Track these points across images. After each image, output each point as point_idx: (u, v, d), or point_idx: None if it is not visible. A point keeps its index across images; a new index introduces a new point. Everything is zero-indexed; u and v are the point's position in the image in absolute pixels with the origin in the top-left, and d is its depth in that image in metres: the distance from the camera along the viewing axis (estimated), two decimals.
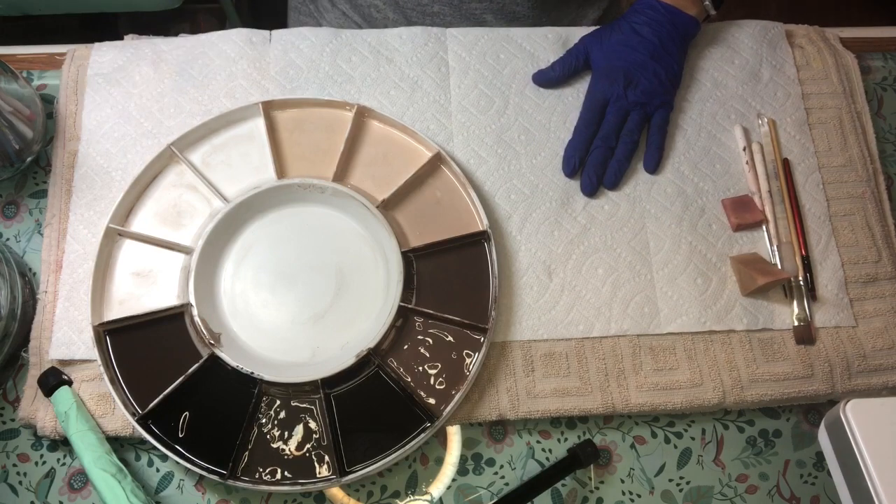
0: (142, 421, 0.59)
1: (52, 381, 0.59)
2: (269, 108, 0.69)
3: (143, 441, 0.60)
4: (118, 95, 0.70)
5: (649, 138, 0.70)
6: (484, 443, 0.63)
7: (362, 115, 0.70)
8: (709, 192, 0.70)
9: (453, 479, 0.61)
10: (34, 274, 0.65)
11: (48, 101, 0.71)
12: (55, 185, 0.67)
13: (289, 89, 0.71)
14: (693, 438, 0.64)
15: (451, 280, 0.65)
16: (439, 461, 0.62)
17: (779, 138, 0.72)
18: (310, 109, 0.70)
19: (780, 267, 0.67)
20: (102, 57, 0.71)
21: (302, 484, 0.58)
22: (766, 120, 0.72)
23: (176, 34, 0.74)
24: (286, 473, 0.59)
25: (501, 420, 0.63)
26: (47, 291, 0.64)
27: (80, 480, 0.60)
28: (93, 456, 0.57)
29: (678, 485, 0.62)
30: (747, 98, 0.74)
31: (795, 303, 0.66)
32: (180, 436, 0.59)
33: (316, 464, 0.60)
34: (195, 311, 0.61)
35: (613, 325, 0.65)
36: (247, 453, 0.59)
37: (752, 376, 0.64)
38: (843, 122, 0.73)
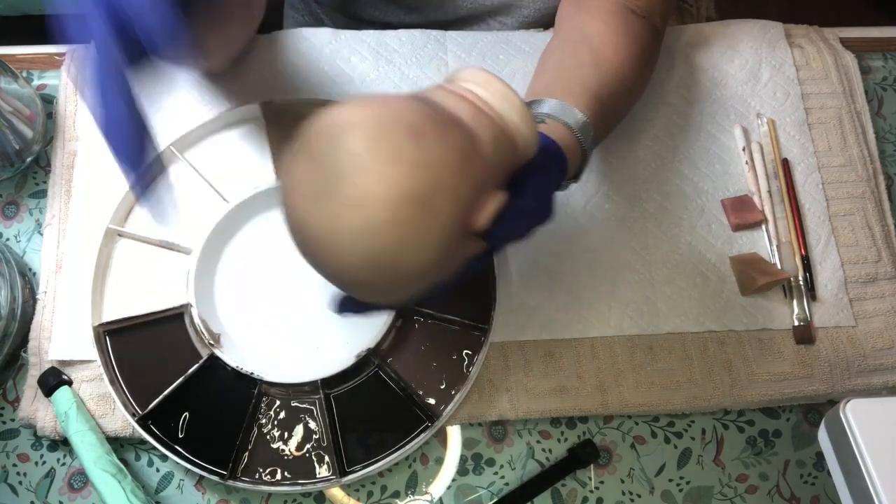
0: (142, 421, 0.59)
1: (52, 381, 0.59)
2: (268, 109, 0.69)
3: (143, 441, 0.60)
4: None
5: None
6: (484, 443, 0.63)
7: None
8: (708, 192, 0.70)
9: (453, 479, 0.62)
10: (34, 274, 0.65)
11: (48, 101, 0.71)
12: (55, 185, 0.67)
13: (288, 90, 0.71)
14: (693, 438, 0.64)
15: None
16: (439, 461, 0.62)
17: (778, 138, 0.72)
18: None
19: (779, 267, 0.67)
20: None
21: (302, 484, 0.58)
22: (765, 120, 0.72)
23: None
24: (286, 474, 0.59)
25: (501, 420, 0.63)
26: (47, 291, 0.64)
27: (80, 480, 0.60)
28: (93, 456, 0.57)
29: (678, 485, 0.62)
30: (747, 98, 0.74)
31: (795, 303, 0.66)
32: (180, 436, 0.59)
33: (316, 464, 0.60)
34: (195, 311, 0.61)
35: (613, 324, 0.65)
36: (247, 454, 0.60)
37: (752, 376, 0.64)
38: (842, 122, 0.73)
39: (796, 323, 0.65)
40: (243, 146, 0.69)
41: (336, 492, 0.61)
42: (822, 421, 0.63)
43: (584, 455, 0.61)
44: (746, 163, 0.71)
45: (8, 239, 0.67)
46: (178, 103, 0.70)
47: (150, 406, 0.59)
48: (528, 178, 0.47)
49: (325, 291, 0.64)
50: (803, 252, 0.68)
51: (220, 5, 0.53)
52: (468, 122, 0.43)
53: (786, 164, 0.71)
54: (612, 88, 0.56)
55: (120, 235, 0.65)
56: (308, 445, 0.60)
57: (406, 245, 0.40)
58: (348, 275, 0.42)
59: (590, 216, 0.68)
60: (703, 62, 0.75)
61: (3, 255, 0.61)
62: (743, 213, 0.68)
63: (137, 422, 0.59)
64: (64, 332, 0.62)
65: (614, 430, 0.63)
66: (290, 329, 0.63)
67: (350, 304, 0.49)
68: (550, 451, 0.63)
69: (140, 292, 0.64)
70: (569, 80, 0.55)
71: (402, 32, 0.74)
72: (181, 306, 0.62)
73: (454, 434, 0.63)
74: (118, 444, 0.61)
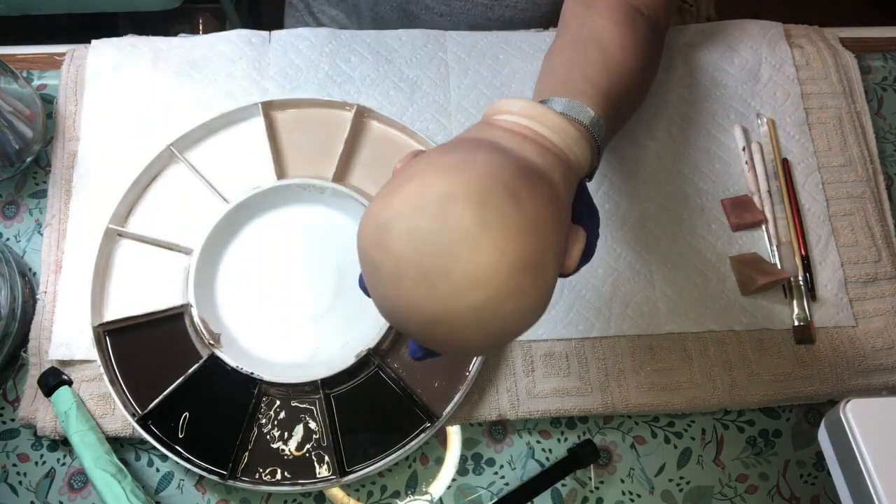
0: (142, 421, 0.59)
1: (52, 381, 0.59)
2: (268, 109, 0.69)
3: (143, 441, 0.60)
4: (117, 95, 0.70)
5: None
6: (484, 443, 0.63)
7: (362, 116, 0.70)
8: (708, 192, 0.70)
9: (453, 479, 0.62)
10: (34, 274, 0.65)
11: (48, 101, 0.71)
12: (55, 185, 0.67)
13: (288, 89, 0.71)
14: (693, 438, 0.64)
15: None
16: (439, 461, 0.62)
17: (778, 138, 0.72)
18: (309, 110, 0.70)
19: (779, 267, 0.67)
20: (101, 56, 0.71)
21: (302, 484, 0.58)
22: (765, 120, 0.72)
23: (176, 34, 0.74)
24: (286, 474, 0.59)
25: (501, 420, 0.63)
26: (47, 291, 0.64)
27: (80, 480, 0.60)
28: (93, 456, 0.57)
29: (678, 485, 0.62)
30: (747, 98, 0.73)
31: (795, 303, 0.66)
32: (180, 436, 0.59)
33: (316, 464, 0.60)
34: (195, 311, 0.61)
35: (613, 325, 0.65)
36: (247, 454, 0.60)
37: (752, 376, 0.64)
38: (842, 121, 0.73)
39: (796, 323, 0.65)
40: (243, 146, 0.69)
41: (336, 492, 0.61)
42: (822, 421, 0.63)
43: (584, 455, 0.61)
44: (746, 163, 0.70)
45: (8, 239, 0.67)
46: (178, 103, 0.70)
47: (150, 406, 0.59)
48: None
49: (325, 292, 0.64)
50: (803, 252, 0.68)
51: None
52: (540, 164, 0.43)
53: (786, 164, 0.71)
54: (621, 88, 0.56)
55: (120, 235, 0.65)
56: (308, 445, 0.60)
57: (523, 311, 0.40)
58: (463, 346, 0.41)
59: None
60: (703, 62, 0.75)
61: (3, 255, 0.61)
62: (743, 213, 0.68)
63: (137, 422, 0.59)
64: (64, 332, 0.62)
65: (614, 430, 0.63)
66: (290, 329, 0.63)
67: (432, 352, 0.48)
68: (550, 451, 0.63)
69: (140, 292, 0.64)
70: (578, 80, 0.54)
71: (401, 32, 0.74)
72: (181, 306, 0.62)
73: (454, 434, 0.63)
74: (118, 444, 0.61)
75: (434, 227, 0.38)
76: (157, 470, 0.61)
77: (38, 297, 0.64)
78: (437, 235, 0.38)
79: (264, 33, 0.73)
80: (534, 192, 0.40)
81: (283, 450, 0.60)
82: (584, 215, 0.48)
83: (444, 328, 0.40)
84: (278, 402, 0.61)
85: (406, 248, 0.39)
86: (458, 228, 0.38)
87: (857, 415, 0.58)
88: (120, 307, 0.63)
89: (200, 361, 0.61)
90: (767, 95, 0.74)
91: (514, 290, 0.39)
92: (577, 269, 0.46)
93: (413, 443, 0.59)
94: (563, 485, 0.61)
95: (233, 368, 0.60)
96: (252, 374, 0.60)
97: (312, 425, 0.61)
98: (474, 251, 0.38)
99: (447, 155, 0.41)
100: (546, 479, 0.60)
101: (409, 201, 0.39)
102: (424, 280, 0.38)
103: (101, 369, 0.60)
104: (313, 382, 0.60)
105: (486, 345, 0.41)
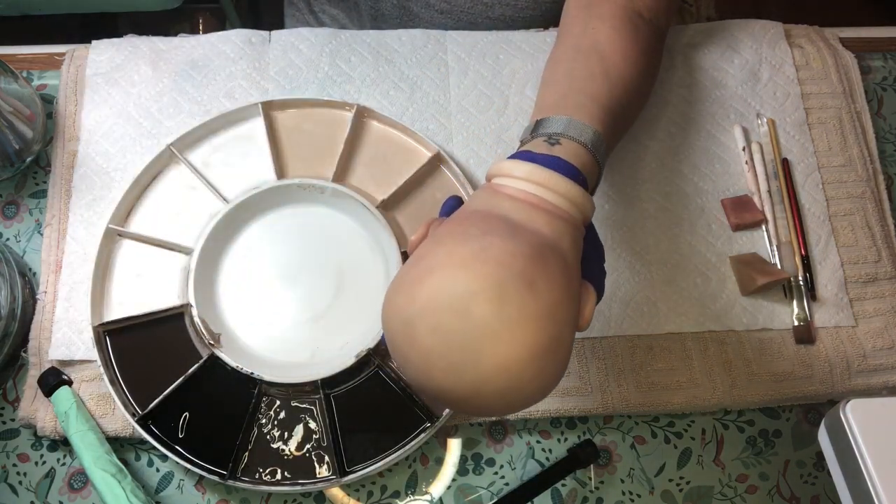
0: (142, 421, 0.59)
1: (52, 381, 0.59)
2: (268, 109, 0.69)
3: (143, 441, 0.60)
4: (117, 95, 0.70)
5: None
6: (484, 443, 0.63)
7: (362, 116, 0.70)
8: (708, 192, 0.70)
9: (453, 479, 0.62)
10: (34, 274, 0.65)
11: (48, 101, 0.71)
12: (55, 185, 0.67)
13: (288, 89, 0.71)
14: (693, 438, 0.64)
15: None
16: (439, 461, 0.62)
17: (778, 138, 0.72)
18: (309, 110, 0.70)
19: (779, 267, 0.67)
20: (100, 56, 0.71)
21: (302, 484, 0.58)
22: (765, 120, 0.72)
23: (176, 34, 0.74)
24: (286, 474, 0.59)
25: (501, 420, 0.63)
26: (47, 291, 0.64)
27: (80, 480, 0.60)
28: (93, 456, 0.57)
29: (678, 485, 0.62)
30: (747, 98, 0.73)
31: (795, 303, 0.66)
32: (180, 436, 0.59)
33: (316, 464, 0.60)
34: (195, 311, 0.61)
35: (613, 325, 0.65)
36: (247, 454, 0.60)
37: (752, 376, 0.64)
38: (842, 121, 0.73)
39: (796, 323, 0.65)
40: (243, 146, 0.69)
41: (336, 492, 0.61)
42: (822, 421, 0.63)
43: (584, 455, 0.61)
44: (746, 163, 0.71)
45: (8, 239, 0.67)
46: (178, 103, 0.70)
47: (150, 406, 0.59)
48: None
49: (325, 292, 0.64)
50: (803, 252, 0.68)
51: None
52: (550, 235, 0.44)
53: (786, 164, 0.71)
54: (622, 99, 0.55)
55: (120, 235, 0.65)
56: (308, 445, 0.60)
57: (545, 385, 0.43)
58: (490, 415, 0.46)
59: None
60: (703, 62, 0.75)
61: (3, 255, 0.61)
62: (743, 213, 0.68)
63: (137, 422, 0.59)
64: (64, 332, 0.62)
65: (614, 430, 0.63)
66: (290, 329, 0.63)
67: None
68: (550, 451, 0.63)
69: (140, 292, 0.64)
70: (579, 94, 0.54)
71: (401, 32, 0.74)
72: (181, 306, 0.62)
73: (454, 434, 0.63)
74: (118, 444, 0.61)
75: (458, 325, 0.41)
76: (157, 470, 0.61)
77: (38, 297, 0.64)
78: (462, 333, 0.41)
79: (264, 33, 0.73)
80: (547, 272, 0.42)
81: (283, 450, 0.60)
82: (591, 256, 0.49)
83: (472, 406, 0.43)
84: (278, 402, 0.61)
85: (433, 344, 0.41)
86: (480, 325, 0.40)
87: (857, 415, 0.58)
88: (120, 307, 0.63)
89: (200, 361, 0.61)
90: (767, 95, 0.74)
91: (537, 372, 0.41)
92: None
93: (413, 443, 0.59)
94: (563, 485, 0.61)
95: (233, 368, 0.60)
96: (252, 374, 0.60)
97: (312, 425, 0.61)
98: (497, 345, 0.40)
99: (463, 244, 0.43)
100: (546, 479, 0.60)
101: (432, 298, 0.42)
102: (452, 370, 0.41)
103: (101, 369, 0.60)
104: (313, 382, 0.60)
105: (511, 412, 0.45)
